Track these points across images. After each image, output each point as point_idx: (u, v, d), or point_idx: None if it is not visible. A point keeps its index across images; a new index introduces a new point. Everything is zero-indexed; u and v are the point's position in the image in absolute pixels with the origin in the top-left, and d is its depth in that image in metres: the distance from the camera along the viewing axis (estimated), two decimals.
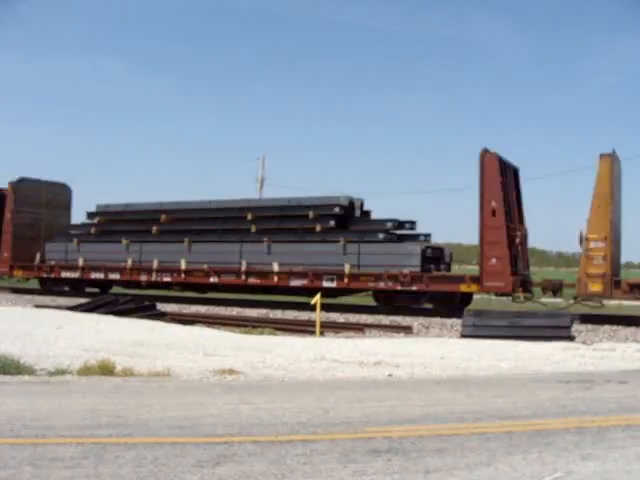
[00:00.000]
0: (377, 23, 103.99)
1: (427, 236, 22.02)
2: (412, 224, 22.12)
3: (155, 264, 24.20)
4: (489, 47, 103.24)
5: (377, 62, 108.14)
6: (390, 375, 9.56)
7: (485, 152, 19.06)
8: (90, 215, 27.27)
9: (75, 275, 25.94)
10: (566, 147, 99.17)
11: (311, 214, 22.37)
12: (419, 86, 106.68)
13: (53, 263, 26.63)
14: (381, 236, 21.34)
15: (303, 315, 19.99)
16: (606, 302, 20.11)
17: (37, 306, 22.19)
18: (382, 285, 20.58)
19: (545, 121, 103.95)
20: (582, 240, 18.24)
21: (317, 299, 16.24)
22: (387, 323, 18.48)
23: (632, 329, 16.75)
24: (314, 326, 16.17)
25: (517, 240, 19.61)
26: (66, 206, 28.88)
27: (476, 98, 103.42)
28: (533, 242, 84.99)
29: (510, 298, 20.33)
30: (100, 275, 25.48)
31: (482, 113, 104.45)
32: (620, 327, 16.97)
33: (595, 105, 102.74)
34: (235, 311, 21.45)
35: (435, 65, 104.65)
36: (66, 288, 26.29)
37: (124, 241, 25.25)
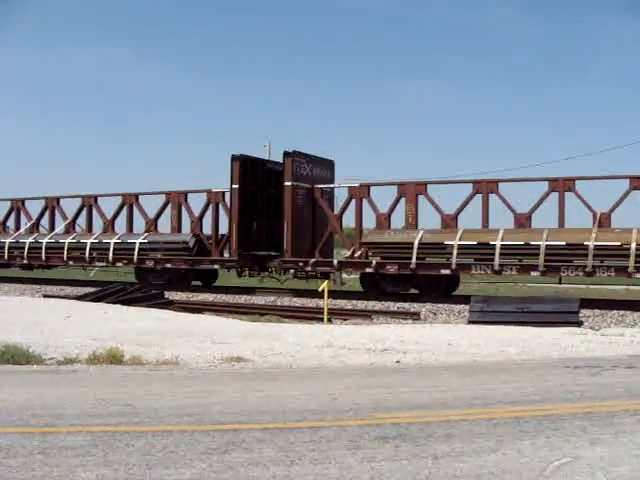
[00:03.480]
0: (385, 8, 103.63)
1: None
2: None
3: None
4: (500, 32, 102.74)
5: (387, 48, 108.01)
6: (398, 361, 9.56)
7: None
8: None
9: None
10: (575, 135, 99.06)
11: None
12: (429, 73, 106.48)
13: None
14: None
15: (311, 302, 20.02)
16: (613, 287, 20.00)
17: (45, 296, 22.31)
18: None
19: (551, 109, 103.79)
20: None
21: (325, 286, 16.24)
22: (395, 309, 18.50)
23: None
24: (322, 313, 16.19)
25: None
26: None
27: (487, 84, 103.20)
28: None
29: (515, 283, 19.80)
30: None
31: (492, 100, 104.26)
32: (628, 312, 16.92)
33: (603, 91, 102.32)
34: (243, 299, 21.50)
35: (445, 51, 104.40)
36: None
37: None
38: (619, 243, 17.65)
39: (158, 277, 24.75)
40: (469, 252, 19.40)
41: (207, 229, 24.67)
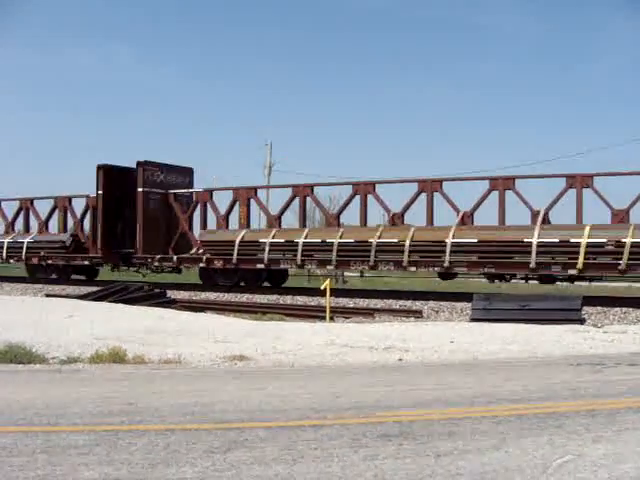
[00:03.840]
0: (385, 6, 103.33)
1: None
2: None
3: None
4: (498, 30, 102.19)
5: (386, 47, 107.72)
6: (400, 359, 9.57)
7: None
8: None
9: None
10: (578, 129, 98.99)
11: None
12: (429, 72, 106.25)
13: None
14: None
15: (313, 300, 20.02)
16: (616, 284, 20.01)
17: (48, 295, 22.35)
18: None
19: (555, 104, 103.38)
20: None
21: (327, 284, 16.25)
22: (397, 307, 18.49)
23: None
24: (324, 311, 16.20)
25: None
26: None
27: (486, 83, 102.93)
28: None
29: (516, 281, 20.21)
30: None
31: (491, 98, 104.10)
32: (630, 309, 16.88)
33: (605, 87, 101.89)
34: (245, 297, 21.51)
35: (445, 49, 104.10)
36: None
37: None
38: (396, 240, 19.70)
39: (44, 272, 27.59)
40: (280, 249, 21.83)
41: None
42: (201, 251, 23.80)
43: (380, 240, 19.84)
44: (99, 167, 25.32)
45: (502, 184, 19.59)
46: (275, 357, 9.67)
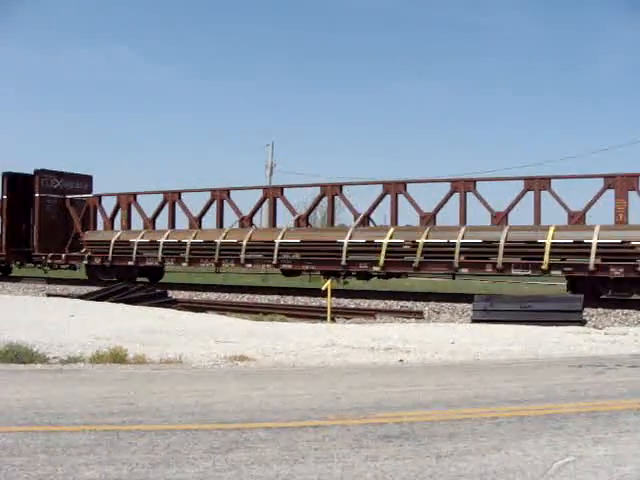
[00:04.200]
0: (385, 8, 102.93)
1: None
2: None
3: None
4: (502, 32, 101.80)
5: (388, 48, 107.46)
6: (401, 360, 9.56)
7: None
8: None
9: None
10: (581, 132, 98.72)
11: None
12: (428, 71, 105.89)
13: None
14: None
15: (314, 301, 20.01)
16: None
17: (49, 295, 22.36)
18: None
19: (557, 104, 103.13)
20: None
21: (328, 284, 16.25)
22: (398, 308, 18.48)
23: None
24: (325, 312, 16.18)
25: None
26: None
27: (488, 84, 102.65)
28: None
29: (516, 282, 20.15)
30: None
31: (490, 98, 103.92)
32: (632, 311, 16.86)
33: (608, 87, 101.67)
34: (246, 297, 21.52)
35: (448, 51, 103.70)
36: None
37: None
38: (236, 240, 22.34)
39: None
40: (146, 248, 24.47)
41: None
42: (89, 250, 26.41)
43: (223, 240, 22.49)
44: (4, 174, 28.30)
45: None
46: (276, 357, 9.67)
